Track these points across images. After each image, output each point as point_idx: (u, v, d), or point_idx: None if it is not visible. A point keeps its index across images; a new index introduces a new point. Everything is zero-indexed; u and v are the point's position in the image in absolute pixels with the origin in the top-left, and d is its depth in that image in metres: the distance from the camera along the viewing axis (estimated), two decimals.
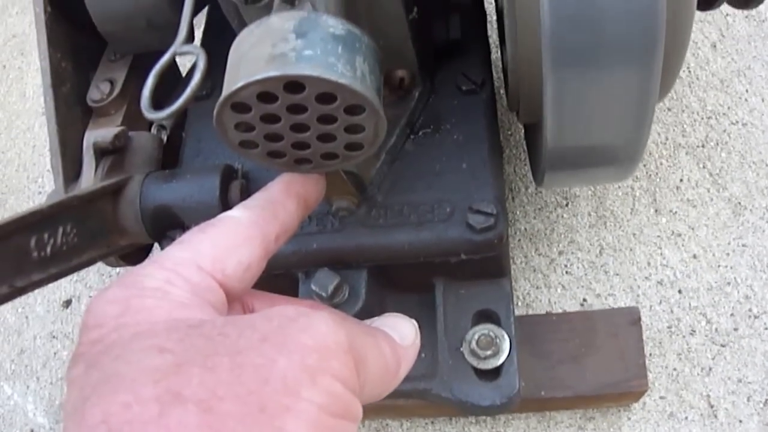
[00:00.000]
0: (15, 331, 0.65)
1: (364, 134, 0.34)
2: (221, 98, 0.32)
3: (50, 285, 0.55)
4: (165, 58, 0.34)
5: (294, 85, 0.31)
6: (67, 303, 0.65)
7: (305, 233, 0.45)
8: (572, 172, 0.41)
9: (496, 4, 0.50)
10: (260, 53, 0.31)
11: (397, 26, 0.42)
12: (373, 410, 0.54)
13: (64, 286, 0.65)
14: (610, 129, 0.37)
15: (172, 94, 0.49)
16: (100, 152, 0.46)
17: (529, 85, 0.38)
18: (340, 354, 0.24)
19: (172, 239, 0.46)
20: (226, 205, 0.44)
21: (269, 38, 0.32)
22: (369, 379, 0.26)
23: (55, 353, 0.63)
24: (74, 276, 0.65)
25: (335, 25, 0.33)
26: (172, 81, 0.45)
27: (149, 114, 0.33)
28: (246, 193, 0.45)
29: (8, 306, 0.66)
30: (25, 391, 0.63)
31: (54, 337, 0.64)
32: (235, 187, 0.45)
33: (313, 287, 0.44)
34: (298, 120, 0.33)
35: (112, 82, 0.49)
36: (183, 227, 0.46)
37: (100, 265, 0.60)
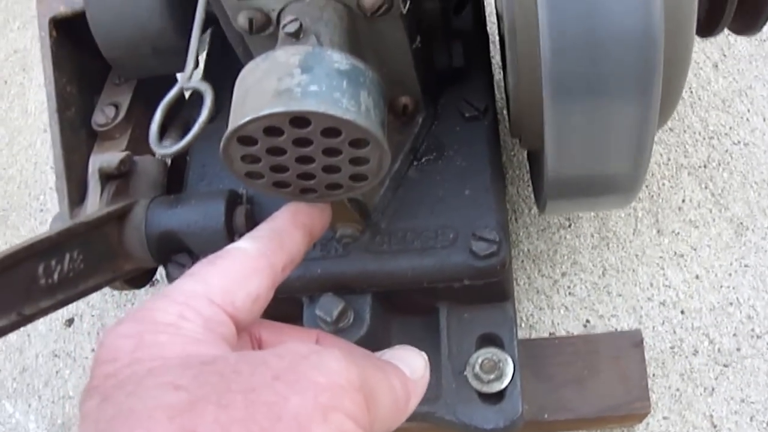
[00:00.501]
0: (17, 349, 0.67)
1: (369, 166, 0.35)
2: (228, 131, 0.33)
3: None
4: (172, 94, 0.36)
5: (300, 119, 0.32)
6: (70, 322, 0.66)
7: (310, 259, 0.46)
8: (574, 200, 0.42)
9: (499, 29, 0.52)
10: (266, 88, 0.33)
11: (400, 55, 0.43)
12: None
13: (65, 310, 0.66)
14: (611, 158, 0.39)
15: (176, 117, 0.50)
16: (106, 177, 0.47)
17: (531, 114, 0.39)
18: (351, 392, 0.25)
19: (178, 263, 0.47)
20: (231, 230, 0.45)
21: (275, 73, 0.33)
22: (379, 415, 0.27)
23: (57, 372, 0.64)
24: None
25: (340, 60, 0.34)
26: (175, 106, 0.46)
27: (158, 149, 0.34)
28: (251, 218, 0.46)
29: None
30: (26, 410, 0.64)
31: (56, 355, 0.65)
32: (240, 213, 0.46)
33: (318, 312, 0.45)
34: (304, 153, 0.34)
35: (116, 107, 0.51)
36: (188, 251, 0.47)
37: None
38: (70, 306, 0.62)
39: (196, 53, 0.37)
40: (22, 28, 0.89)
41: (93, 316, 0.66)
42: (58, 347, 0.65)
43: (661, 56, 0.33)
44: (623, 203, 0.42)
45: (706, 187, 0.60)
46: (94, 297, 0.66)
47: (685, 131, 0.61)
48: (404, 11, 0.40)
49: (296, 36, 0.36)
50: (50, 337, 0.66)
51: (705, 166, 0.61)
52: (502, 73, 0.56)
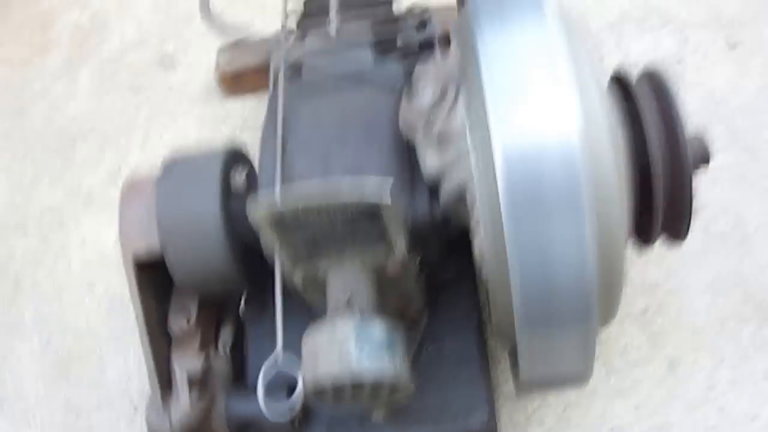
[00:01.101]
0: None
1: (399, 395, 0.54)
2: (308, 388, 0.51)
3: None
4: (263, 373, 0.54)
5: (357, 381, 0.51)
6: None
7: (351, 429, 0.65)
8: (542, 390, 0.61)
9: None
10: (332, 357, 0.51)
11: (410, 289, 0.62)
12: None
13: None
14: (566, 363, 0.58)
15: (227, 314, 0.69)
16: (192, 379, 0.65)
17: (508, 335, 0.58)
18: None
19: None
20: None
21: (336, 344, 0.52)
22: None
23: None
24: None
25: (377, 329, 0.53)
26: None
27: (268, 408, 0.52)
28: None
29: None
30: None
31: None
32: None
33: None
34: (363, 393, 0.52)
35: (187, 318, 0.69)
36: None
37: None
38: None
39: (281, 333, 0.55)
40: (52, 185, 1.06)
41: None
42: None
43: (594, 298, 0.52)
44: (580, 386, 0.62)
45: (644, 331, 0.80)
46: None
47: (627, 285, 0.81)
48: (419, 270, 0.59)
49: (349, 306, 0.55)
50: None
51: (643, 314, 0.80)
52: None
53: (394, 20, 0.79)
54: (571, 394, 0.79)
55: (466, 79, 0.55)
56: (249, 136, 1.03)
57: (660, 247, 0.66)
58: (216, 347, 0.73)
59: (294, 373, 0.55)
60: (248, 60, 1.01)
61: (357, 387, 0.53)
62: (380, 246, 0.57)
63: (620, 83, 0.65)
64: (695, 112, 0.91)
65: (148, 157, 1.06)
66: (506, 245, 0.49)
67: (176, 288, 0.73)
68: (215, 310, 0.74)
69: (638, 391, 0.79)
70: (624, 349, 0.81)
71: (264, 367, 0.54)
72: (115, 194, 1.01)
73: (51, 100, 1.15)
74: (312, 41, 0.75)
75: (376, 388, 0.53)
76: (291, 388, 0.56)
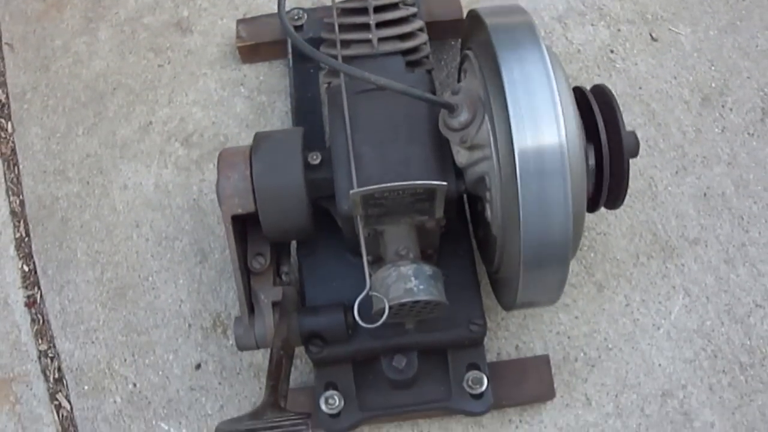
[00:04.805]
0: (160, 387, 1.22)
1: (438, 310, 0.95)
2: (388, 307, 0.91)
3: (180, 353, 1.17)
4: (359, 300, 0.93)
5: (416, 300, 0.91)
6: (198, 366, 1.22)
7: (387, 337, 1.06)
8: (523, 309, 1.04)
9: (480, 222, 1.11)
10: (400, 286, 0.92)
11: (434, 236, 1.02)
12: (398, 419, 1.16)
13: (193, 354, 1.22)
14: (547, 291, 1.00)
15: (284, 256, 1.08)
16: (275, 304, 1.04)
17: (509, 272, 1.00)
18: None
19: (315, 345, 1.05)
20: (348, 324, 1.03)
21: (402, 279, 0.92)
22: None
23: (195, 399, 1.20)
24: (198, 347, 1.22)
25: (428, 269, 0.94)
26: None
27: (364, 324, 0.91)
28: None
29: (149, 370, 1.22)
30: (178, 426, 1.20)
31: (192, 389, 1.21)
32: (350, 317, 1.04)
33: (393, 363, 1.06)
34: (415, 310, 0.93)
35: (264, 256, 1.07)
36: (321, 338, 1.05)
37: (218, 338, 1.20)
38: (195, 354, 1.19)
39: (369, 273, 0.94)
40: (86, 134, 1.39)
41: (215, 361, 1.22)
42: (193, 383, 1.21)
43: (570, 243, 0.94)
44: (551, 305, 1.05)
45: (580, 263, 1.24)
46: (212, 348, 1.22)
47: None
48: (443, 225, 0.99)
49: (400, 256, 0.95)
50: (185, 378, 1.21)
51: (581, 249, 1.24)
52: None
53: (420, 30, 1.17)
54: (528, 309, 1.23)
55: (492, 97, 0.93)
56: (266, 98, 1.40)
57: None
58: (280, 277, 1.11)
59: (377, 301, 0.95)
60: (266, 33, 1.36)
61: (414, 306, 0.93)
62: (426, 213, 0.96)
63: (579, 93, 1.06)
64: (622, 95, 1.36)
65: (177, 112, 1.39)
66: (519, 209, 0.88)
67: (251, 235, 1.10)
68: (278, 252, 1.12)
69: (576, 305, 1.24)
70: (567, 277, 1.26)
71: (359, 297, 0.93)
72: (150, 145, 1.37)
73: (74, 56, 1.46)
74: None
75: (426, 305, 0.94)
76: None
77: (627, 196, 1.27)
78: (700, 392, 1.20)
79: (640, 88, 1.38)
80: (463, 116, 0.94)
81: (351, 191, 0.91)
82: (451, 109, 0.95)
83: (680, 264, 1.27)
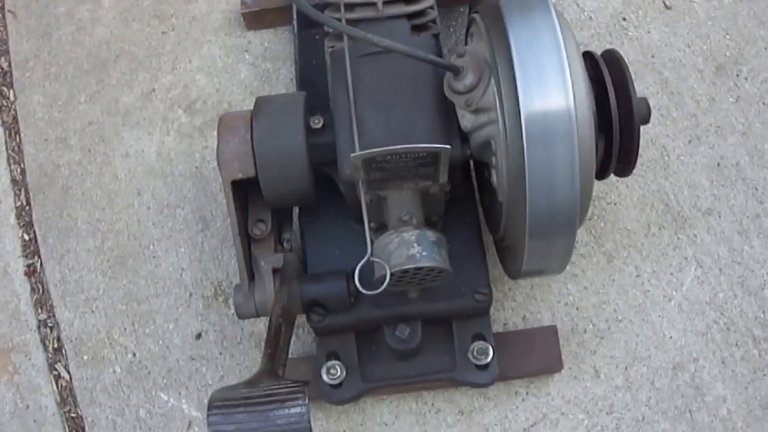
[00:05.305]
0: (160, 357, 1.21)
1: (441, 277, 0.93)
2: (388, 274, 0.90)
3: (181, 323, 1.16)
4: (359, 266, 0.91)
5: (419, 267, 0.90)
6: (198, 336, 1.21)
7: (389, 305, 1.04)
8: (530, 277, 1.03)
9: (487, 188, 1.10)
10: (402, 253, 0.90)
11: (439, 201, 1.01)
12: (402, 390, 1.15)
13: (193, 324, 1.21)
14: (554, 259, 0.98)
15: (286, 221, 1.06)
16: (275, 270, 1.02)
17: (515, 239, 0.98)
18: None
19: (316, 313, 1.04)
20: (350, 292, 1.02)
21: (404, 245, 0.90)
22: None
23: (196, 369, 1.20)
24: (199, 316, 1.21)
25: (431, 235, 0.92)
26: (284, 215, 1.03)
27: (365, 290, 0.90)
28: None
29: (149, 339, 1.22)
30: (178, 396, 1.20)
31: (193, 359, 1.20)
32: (352, 284, 1.02)
33: (396, 333, 1.04)
34: (418, 278, 0.92)
35: (265, 222, 1.05)
36: (323, 306, 1.04)
37: (219, 307, 1.19)
38: (195, 324, 1.18)
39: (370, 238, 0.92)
40: (89, 102, 1.37)
41: (215, 331, 1.21)
42: (193, 353, 1.20)
43: (578, 209, 0.92)
44: (557, 275, 1.04)
45: (590, 232, 1.22)
46: (214, 316, 1.21)
47: None
48: (447, 191, 0.97)
49: (404, 222, 0.93)
50: (185, 347, 1.21)
51: (590, 219, 1.22)
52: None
53: None
54: (535, 278, 1.21)
55: (498, 60, 0.91)
56: (271, 65, 1.38)
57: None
58: (282, 244, 1.10)
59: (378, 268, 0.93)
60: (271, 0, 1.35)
61: (416, 273, 0.92)
62: (430, 178, 0.94)
63: (589, 58, 1.04)
64: (634, 63, 1.33)
65: (180, 79, 1.38)
66: (526, 174, 0.86)
67: (251, 201, 1.09)
68: (280, 218, 1.11)
69: (585, 276, 1.22)
70: (575, 245, 1.23)
71: (359, 264, 0.91)
72: (153, 113, 1.36)
73: (77, 23, 1.44)
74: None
75: (429, 273, 0.92)
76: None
77: (638, 165, 1.26)
78: (712, 366, 1.18)
79: (653, 56, 1.35)
80: (469, 79, 0.92)
81: (352, 155, 0.89)
82: (456, 71, 0.93)
83: (692, 235, 1.25)
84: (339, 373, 1.07)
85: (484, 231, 1.13)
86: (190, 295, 1.25)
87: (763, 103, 1.32)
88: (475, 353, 1.08)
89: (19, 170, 1.36)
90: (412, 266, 0.90)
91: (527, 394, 1.17)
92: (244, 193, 1.06)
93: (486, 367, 1.08)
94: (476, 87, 0.92)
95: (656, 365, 1.19)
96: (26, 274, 1.30)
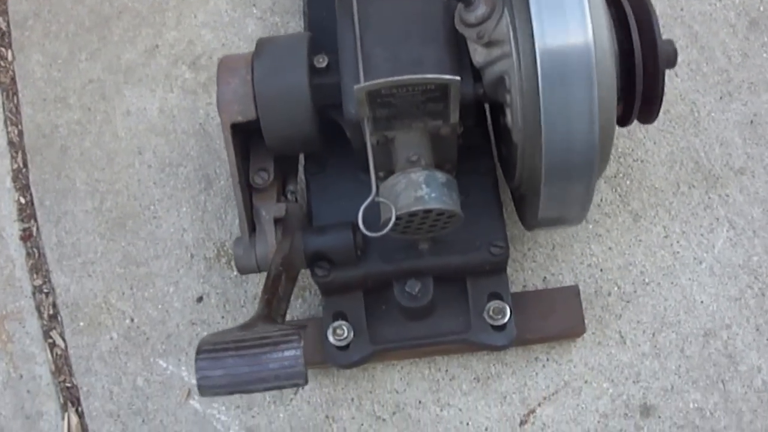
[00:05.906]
0: (159, 322, 1.16)
1: (452, 223, 0.87)
2: (393, 217, 0.84)
3: (181, 285, 1.10)
4: (364, 206, 0.85)
5: (428, 210, 0.84)
6: (200, 299, 1.16)
7: (400, 259, 0.98)
8: (547, 228, 0.96)
9: (502, 130, 1.04)
10: (410, 194, 0.84)
11: (451, 146, 0.95)
12: (413, 354, 1.09)
13: (194, 287, 1.16)
14: (572, 206, 0.92)
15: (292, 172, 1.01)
16: (276, 220, 0.97)
17: (531, 185, 0.92)
18: None
19: (321, 267, 0.98)
20: (356, 244, 0.96)
21: (412, 186, 0.85)
22: None
23: (197, 334, 1.15)
24: (201, 278, 1.16)
25: (441, 177, 0.86)
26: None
27: (368, 233, 0.84)
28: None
29: (148, 303, 1.17)
30: (177, 363, 1.14)
31: (194, 323, 1.15)
32: (359, 236, 0.97)
33: (406, 288, 0.98)
34: (427, 223, 0.86)
35: (267, 171, 1.00)
36: (328, 260, 0.98)
37: (221, 268, 1.13)
38: (196, 286, 1.13)
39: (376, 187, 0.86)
40: (90, 59, 1.33)
41: (217, 294, 1.15)
42: (194, 317, 1.15)
43: (596, 153, 0.85)
44: (576, 225, 0.97)
45: (615, 191, 1.16)
46: (215, 279, 1.16)
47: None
48: (460, 133, 0.92)
49: (412, 163, 0.87)
50: (185, 311, 1.15)
51: (615, 177, 1.16)
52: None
53: None
54: (556, 237, 1.14)
55: None
56: (279, 19, 1.33)
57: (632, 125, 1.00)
58: (285, 196, 1.05)
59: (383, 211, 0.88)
60: None
61: (425, 216, 0.86)
62: (439, 116, 0.89)
63: None
64: (663, 16, 1.27)
65: (185, 35, 1.32)
66: (541, 112, 0.80)
67: (253, 149, 1.04)
68: (285, 170, 1.06)
69: (610, 236, 1.15)
70: (599, 204, 1.16)
71: (364, 205, 0.86)
72: (156, 69, 1.31)
73: None
74: None
75: (439, 216, 0.86)
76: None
77: (667, 122, 1.20)
78: (746, 333, 1.11)
79: (682, 9, 1.28)
80: (480, 10, 0.86)
81: (356, 86, 0.84)
82: (467, 2, 0.87)
83: (724, 194, 1.18)
84: (346, 333, 1.01)
85: (502, 188, 1.07)
86: (192, 256, 1.20)
87: None
88: (491, 313, 1.01)
89: (16, 132, 1.31)
90: (420, 208, 0.84)
91: (548, 360, 1.11)
92: (246, 139, 1.01)
93: (503, 328, 1.02)
94: (489, 18, 0.86)
95: (686, 331, 1.11)
96: (22, 238, 1.25)
